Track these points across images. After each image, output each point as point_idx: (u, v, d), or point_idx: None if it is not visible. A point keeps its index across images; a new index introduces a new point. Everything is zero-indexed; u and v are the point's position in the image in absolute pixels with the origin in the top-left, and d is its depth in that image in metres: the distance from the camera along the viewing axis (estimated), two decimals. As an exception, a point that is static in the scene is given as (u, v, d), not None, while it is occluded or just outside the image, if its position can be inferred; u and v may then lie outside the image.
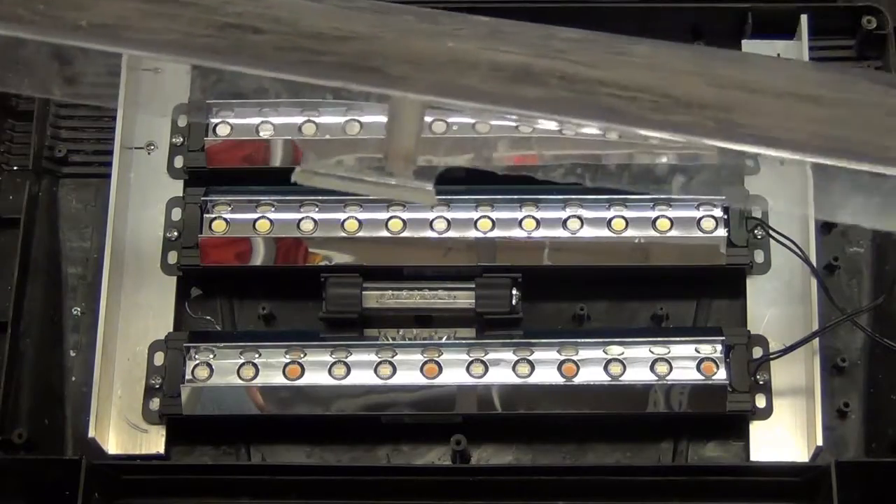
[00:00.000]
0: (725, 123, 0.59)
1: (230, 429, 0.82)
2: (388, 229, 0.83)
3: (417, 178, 0.63)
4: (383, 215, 0.83)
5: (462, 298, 0.82)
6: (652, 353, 0.80)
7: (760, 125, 0.59)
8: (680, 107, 0.59)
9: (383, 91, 0.60)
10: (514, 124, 0.84)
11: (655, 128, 0.59)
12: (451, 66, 0.59)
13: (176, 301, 0.84)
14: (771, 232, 0.82)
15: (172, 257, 0.84)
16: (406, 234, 0.83)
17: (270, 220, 0.83)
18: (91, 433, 0.79)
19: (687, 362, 0.80)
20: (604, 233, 0.82)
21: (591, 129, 0.65)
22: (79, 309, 0.85)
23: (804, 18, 0.87)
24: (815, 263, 0.81)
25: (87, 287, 0.86)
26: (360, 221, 0.83)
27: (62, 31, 0.61)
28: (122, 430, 0.81)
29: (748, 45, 0.88)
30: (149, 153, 0.87)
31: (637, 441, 0.82)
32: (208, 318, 0.85)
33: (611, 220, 0.83)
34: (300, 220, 0.83)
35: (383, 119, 0.84)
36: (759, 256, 0.83)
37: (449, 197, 0.84)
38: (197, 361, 0.81)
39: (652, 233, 0.82)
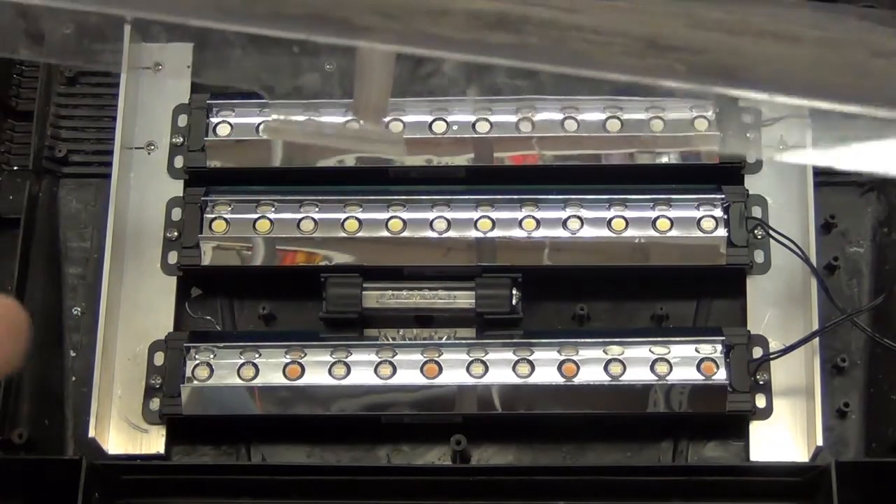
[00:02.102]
0: (696, 66, 0.58)
1: (230, 429, 0.82)
2: (388, 229, 0.83)
3: (387, 129, 0.62)
4: (383, 215, 0.83)
5: (462, 298, 0.82)
6: (652, 353, 0.80)
7: (732, 65, 0.58)
8: (652, 50, 0.58)
9: (350, 42, 0.59)
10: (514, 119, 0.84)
11: (624, 72, 0.58)
12: (423, 14, 0.58)
13: (176, 301, 0.84)
14: (771, 232, 0.82)
15: (172, 257, 0.84)
16: (406, 234, 0.83)
17: (270, 220, 0.83)
18: (91, 433, 0.79)
19: (687, 362, 0.80)
20: (604, 233, 0.82)
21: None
22: (79, 309, 0.85)
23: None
24: (815, 263, 0.81)
25: (87, 287, 0.86)
26: (360, 221, 0.83)
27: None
28: (122, 431, 0.81)
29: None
30: (149, 153, 0.87)
31: (637, 441, 0.82)
32: (208, 318, 0.85)
33: (611, 220, 0.83)
34: (300, 220, 0.83)
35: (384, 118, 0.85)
36: (759, 256, 0.83)
37: (449, 197, 0.84)
38: (197, 361, 0.81)
39: (652, 233, 0.82)
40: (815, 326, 0.80)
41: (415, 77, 0.84)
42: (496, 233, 0.83)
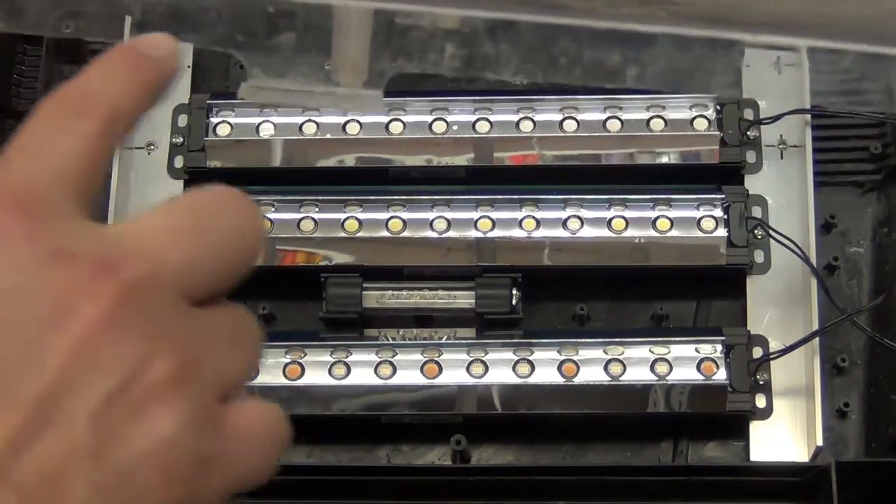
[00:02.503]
0: (680, 14, 0.58)
1: (230, 429, 0.82)
2: (388, 229, 0.83)
3: (366, 87, 0.62)
4: (383, 215, 0.83)
5: (462, 298, 0.82)
6: (652, 353, 0.80)
7: (719, 15, 0.58)
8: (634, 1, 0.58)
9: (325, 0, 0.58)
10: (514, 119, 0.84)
11: (605, 19, 0.58)
12: None
13: (176, 301, 0.84)
14: (771, 232, 0.82)
15: (172, 257, 0.84)
16: (406, 234, 0.83)
17: (270, 220, 0.83)
18: (91, 433, 0.79)
19: (687, 362, 0.80)
20: (604, 233, 0.82)
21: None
22: (79, 309, 0.85)
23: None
24: (815, 263, 0.81)
25: (87, 287, 0.85)
26: (360, 221, 0.83)
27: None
28: (122, 430, 0.81)
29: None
30: (149, 153, 0.87)
31: (637, 441, 0.81)
32: (208, 318, 0.85)
33: (611, 220, 0.83)
34: (300, 220, 0.83)
35: (384, 118, 0.85)
36: (759, 256, 0.83)
37: (449, 197, 0.84)
38: (197, 361, 0.80)
39: (652, 233, 0.82)
40: (815, 326, 0.80)
41: (392, 32, 0.83)
42: (496, 233, 0.83)
